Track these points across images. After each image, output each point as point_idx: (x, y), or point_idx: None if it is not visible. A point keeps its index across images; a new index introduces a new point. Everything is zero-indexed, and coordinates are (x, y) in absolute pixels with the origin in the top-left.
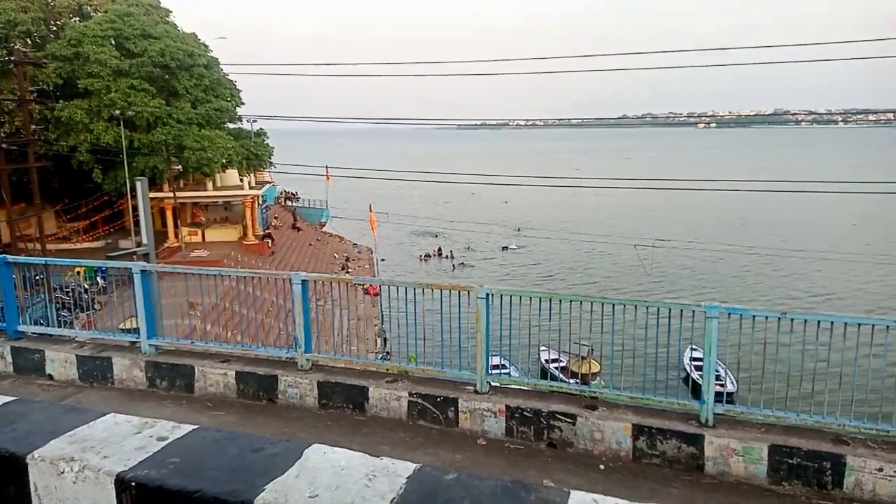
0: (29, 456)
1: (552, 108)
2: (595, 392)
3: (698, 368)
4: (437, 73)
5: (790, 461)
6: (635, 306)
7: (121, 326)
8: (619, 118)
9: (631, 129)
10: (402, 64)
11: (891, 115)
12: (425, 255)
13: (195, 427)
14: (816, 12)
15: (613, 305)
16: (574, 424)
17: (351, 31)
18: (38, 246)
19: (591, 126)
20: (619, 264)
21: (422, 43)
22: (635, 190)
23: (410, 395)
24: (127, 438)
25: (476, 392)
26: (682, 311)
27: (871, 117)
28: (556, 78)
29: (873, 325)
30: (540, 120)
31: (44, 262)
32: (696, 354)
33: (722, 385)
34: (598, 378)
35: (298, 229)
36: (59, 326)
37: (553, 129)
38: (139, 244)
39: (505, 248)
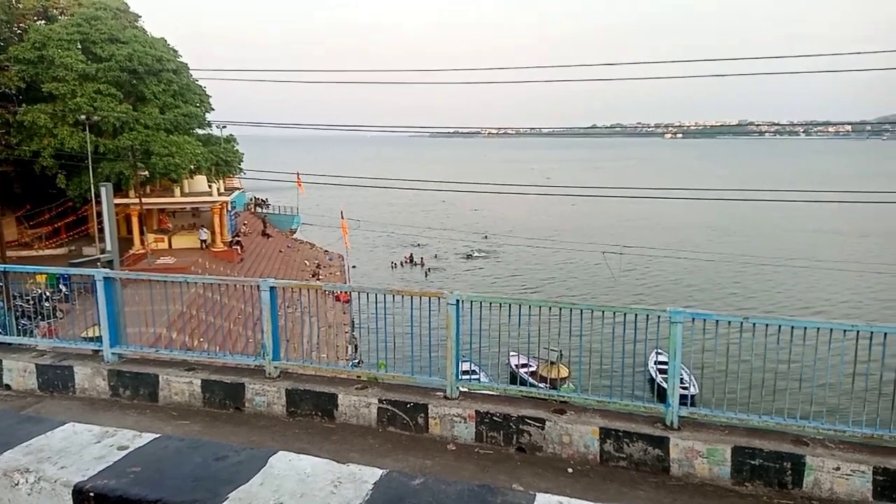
0: None
1: (525, 118)
2: (563, 396)
3: (663, 372)
4: (409, 81)
5: (752, 462)
6: (602, 311)
7: (83, 335)
8: (588, 128)
9: (601, 139)
10: (374, 72)
11: (849, 127)
12: (397, 263)
13: (157, 436)
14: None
15: (581, 311)
16: (543, 429)
17: (321, 40)
18: None
19: (562, 135)
20: (588, 271)
21: (393, 49)
22: (604, 199)
23: (380, 401)
24: (86, 448)
25: (446, 398)
26: (647, 315)
27: (830, 129)
28: (529, 88)
29: (831, 329)
30: (512, 129)
31: (2, 270)
32: (661, 358)
33: (685, 388)
34: (567, 382)
35: (268, 236)
36: (19, 335)
37: (525, 137)
38: (103, 251)
39: (469, 255)
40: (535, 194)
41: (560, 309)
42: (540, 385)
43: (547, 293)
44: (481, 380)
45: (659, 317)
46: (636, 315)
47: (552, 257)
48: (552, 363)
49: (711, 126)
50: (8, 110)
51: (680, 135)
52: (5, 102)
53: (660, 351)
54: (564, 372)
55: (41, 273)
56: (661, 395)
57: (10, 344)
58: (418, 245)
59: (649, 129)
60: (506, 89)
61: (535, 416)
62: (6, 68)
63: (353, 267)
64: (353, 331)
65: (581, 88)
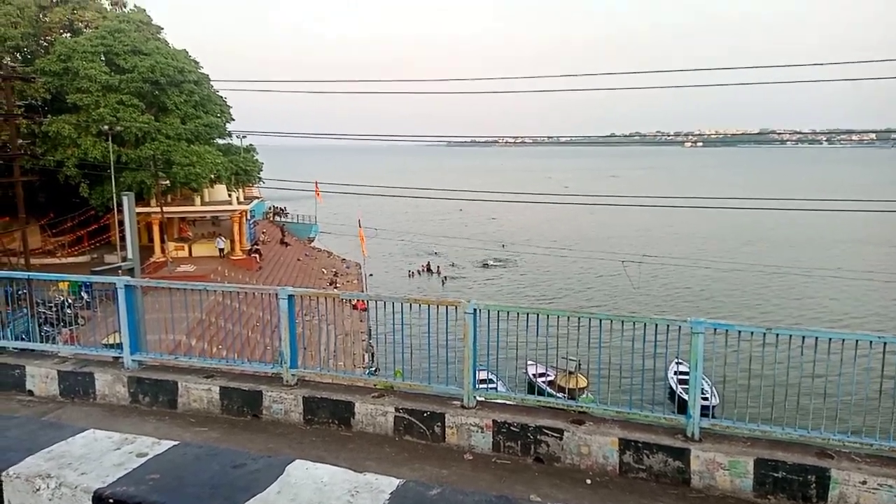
0: (4, 473)
1: (542, 127)
2: (582, 407)
3: (683, 383)
4: (426, 91)
5: (775, 475)
6: (622, 321)
7: (104, 342)
8: (607, 136)
9: (619, 148)
10: (391, 81)
11: (873, 136)
12: (414, 271)
13: (176, 443)
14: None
15: (600, 320)
16: (561, 439)
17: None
18: (22, 260)
19: (579, 144)
20: (607, 280)
21: (413, 55)
22: (622, 207)
23: (397, 410)
24: (106, 454)
25: (463, 407)
26: (668, 326)
27: (853, 137)
28: (547, 97)
29: (857, 340)
30: (529, 138)
31: (27, 277)
32: (682, 369)
33: (706, 399)
34: (586, 392)
35: (287, 244)
36: (42, 342)
37: (543, 146)
38: (124, 259)
39: (486, 264)
40: (553, 203)
41: (579, 319)
42: (558, 395)
43: (565, 303)
44: (498, 389)
45: (680, 327)
46: (656, 325)
47: (570, 266)
48: (570, 373)
49: (732, 134)
50: (34, 121)
51: (700, 143)
52: (31, 113)
53: (680, 361)
54: (583, 382)
55: (64, 280)
56: (682, 407)
57: (33, 350)
58: (435, 254)
59: (668, 138)
60: (523, 98)
61: (553, 427)
62: (33, 80)
63: (371, 275)
64: (369, 339)
65: (599, 98)
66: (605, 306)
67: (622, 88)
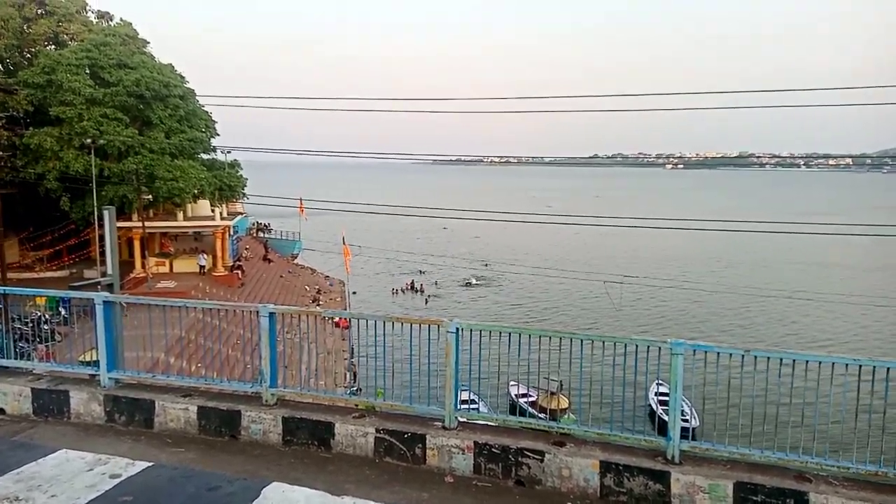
0: None
1: (527, 147)
2: (564, 428)
3: (664, 404)
4: (414, 110)
5: (755, 498)
6: (603, 342)
7: (80, 359)
8: (590, 157)
9: (602, 169)
10: (375, 100)
11: (849, 160)
12: (398, 289)
13: (150, 464)
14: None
15: (581, 341)
16: (542, 461)
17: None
18: None
19: (563, 164)
20: (591, 301)
21: (397, 72)
22: (605, 227)
23: (377, 431)
24: (77, 476)
25: (444, 428)
26: (648, 347)
27: (830, 161)
28: (532, 118)
29: (833, 363)
30: (514, 157)
31: (2, 292)
32: (663, 390)
33: (686, 421)
34: (568, 413)
35: (270, 261)
36: (16, 358)
37: (527, 166)
38: (104, 274)
39: (469, 283)
40: (537, 222)
41: (560, 339)
42: (540, 416)
43: (548, 323)
44: (480, 409)
45: (660, 348)
46: (637, 346)
47: (554, 286)
48: (552, 393)
49: (712, 157)
50: (15, 133)
51: (681, 165)
52: (12, 125)
53: (661, 382)
54: (565, 403)
55: (41, 296)
56: (662, 428)
57: (6, 367)
58: (421, 272)
59: (650, 160)
60: (510, 120)
61: (534, 449)
62: (15, 92)
63: (354, 293)
64: (351, 358)
65: (583, 121)
66: (588, 327)
67: (604, 111)
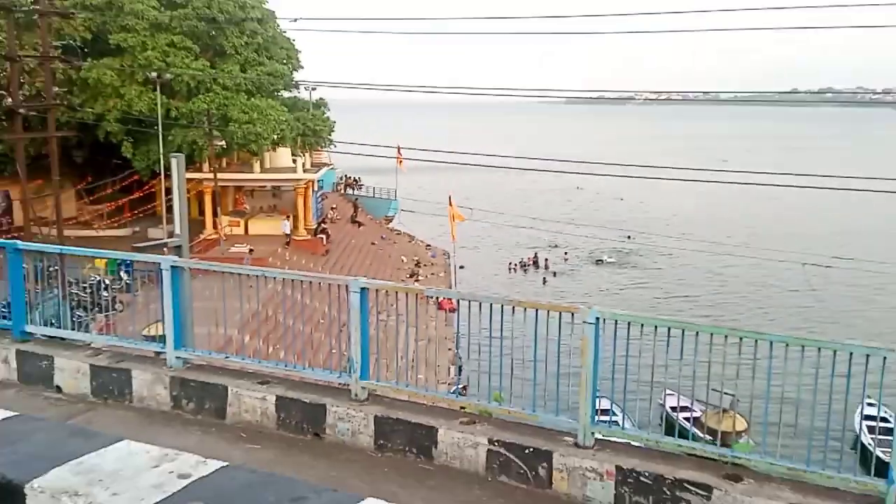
0: (28, 485)
1: (696, 79)
2: (739, 457)
3: (873, 430)
4: (539, 32)
5: None
6: (802, 346)
7: (144, 333)
8: (787, 92)
9: (803, 109)
10: (488, 18)
11: None
12: (518, 264)
13: (224, 464)
14: None
15: (771, 343)
16: (709, 499)
17: None
18: (55, 231)
19: (746, 102)
20: (775, 287)
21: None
22: (809, 190)
23: (491, 442)
24: (142, 473)
25: (577, 445)
26: (867, 356)
27: None
28: (707, 39)
29: None
30: (676, 93)
31: (59, 252)
32: (872, 412)
33: None
34: (745, 438)
35: (359, 224)
36: (73, 329)
37: (695, 104)
38: (171, 234)
39: (599, 260)
40: (705, 180)
41: (741, 339)
42: (706, 438)
43: (715, 317)
44: (623, 425)
45: (885, 358)
46: (850, 353)
47: (728, 269)
48: (724, 410)
49: None
50: (71, 65)
51: None
52: (69, 56)
53: (871, 402)
54: (741, 424)
55: (101, 258)
56: (876, 463)
57: (63, 339)
58: (556, 246)
59: (876, 97)
60: (670, 40)
61: (698, 482)
62: (72, 16)
63: (461, 267)
64: (457, 349)
65: (778, 39)
66: (771, 322)
67: (812, 27)
